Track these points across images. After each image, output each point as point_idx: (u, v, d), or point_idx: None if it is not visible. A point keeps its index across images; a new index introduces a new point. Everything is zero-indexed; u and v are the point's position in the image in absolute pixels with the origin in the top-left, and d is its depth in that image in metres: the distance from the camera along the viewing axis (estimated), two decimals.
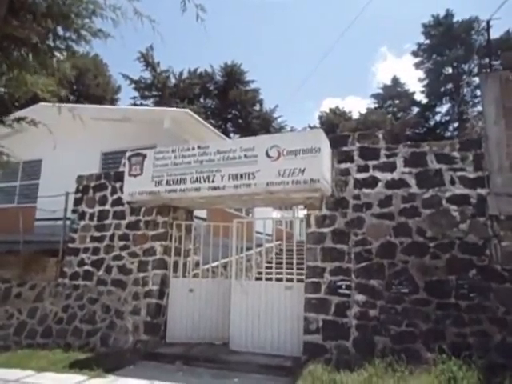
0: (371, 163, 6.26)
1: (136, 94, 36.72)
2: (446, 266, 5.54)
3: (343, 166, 6.41)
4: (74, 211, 8.47)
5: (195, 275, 7.73)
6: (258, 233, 9.47)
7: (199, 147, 6.61)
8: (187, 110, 8.81)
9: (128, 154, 7.17)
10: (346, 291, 5.87)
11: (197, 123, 8.90)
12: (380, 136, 6.39)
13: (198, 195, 6.52)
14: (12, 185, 11.83)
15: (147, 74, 36.42)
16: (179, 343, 6.97)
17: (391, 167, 6.14)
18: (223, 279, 7.93)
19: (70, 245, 8.19)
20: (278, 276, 7.02)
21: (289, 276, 6.79)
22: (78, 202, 8.43)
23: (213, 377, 5.67)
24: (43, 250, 8.95)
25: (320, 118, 42.14)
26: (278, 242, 13.71)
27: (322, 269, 6.09)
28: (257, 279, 8.60)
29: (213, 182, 6.34)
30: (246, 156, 6.21)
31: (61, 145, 10.75)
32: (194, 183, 6.47)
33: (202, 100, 38.77)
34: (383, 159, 6.22)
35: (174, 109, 9.74)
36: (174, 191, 6.62)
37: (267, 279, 6.91)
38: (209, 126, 9.41)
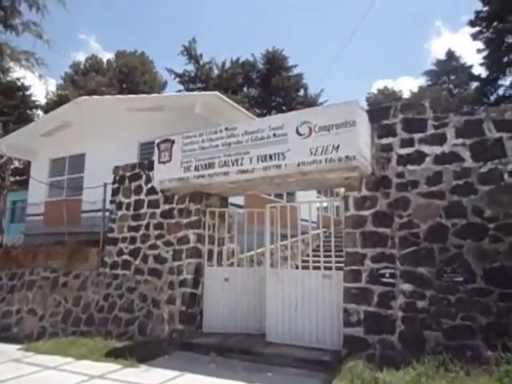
0: (417, 136, 5.54)
1: (181, 87, 37.30)
2: (509, 251, 4.75)
3: (384, 141, 5.75)
4: (111, 202, 8.56)
5: (231, 264, 7.48)
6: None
7: (227, 129, 6.27)
8: (216, 92, 8.49)
9: (157, 141, 7.01)
10: (390, 280, 5.27)
11: (227, 106, 8.57)
12: (427, 105, 5.64)
13: (227, 180, 6.21)
14: (60, 179, 12.34)
15: (191, 67, 36.82)
16: (215, 333, 6.76)
17: (440, 139, 5.39)
18: (259, 268, 7.59)
19: (110, 235, 8.28)
20: (317, 264, 6.53)
21: (329, 264, 6.29)
22: (115, 192, 8.49)
23: (246, 370, 5.36)
24: (86, 240, 9.20)
25: (367, 99, 40.14)
26: (324, 229, 13.11)
27: (362, 255, 5.53)
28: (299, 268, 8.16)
29: (241, 164, 5.98)
30: (274, 135, 5.76)
31: (101, 138, 11.05)
32: (223, 167, 6.15)
33: (245, 89, 38.47)
34: (431, 131, 5.47)
35: (204, 93, 9.50)
36: (202, 176, 6.35)
37: (304, 267, 6.46)
38: (240, 107, 9.04)
